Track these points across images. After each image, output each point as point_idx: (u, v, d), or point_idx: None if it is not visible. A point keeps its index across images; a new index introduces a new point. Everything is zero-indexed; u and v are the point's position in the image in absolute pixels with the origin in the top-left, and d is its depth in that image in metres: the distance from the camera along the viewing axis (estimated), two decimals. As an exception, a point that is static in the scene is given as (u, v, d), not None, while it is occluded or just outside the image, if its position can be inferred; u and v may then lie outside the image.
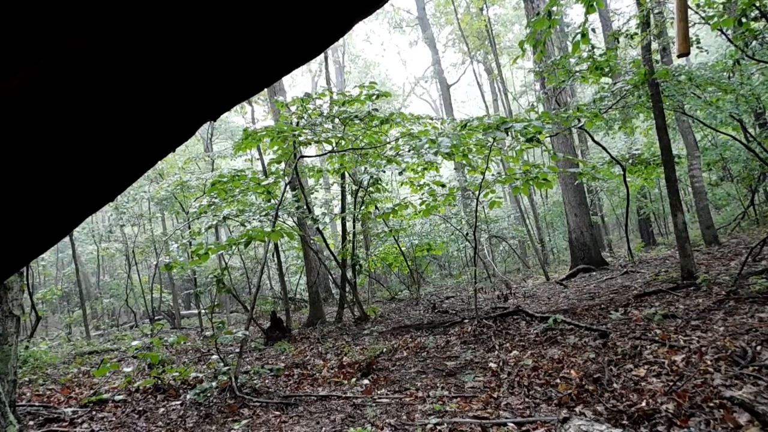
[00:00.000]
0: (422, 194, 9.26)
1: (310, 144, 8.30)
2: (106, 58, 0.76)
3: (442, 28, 27.34)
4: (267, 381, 5.45)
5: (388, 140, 8.75)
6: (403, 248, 12.80)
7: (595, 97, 8.65)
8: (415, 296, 13.03)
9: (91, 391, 5.80)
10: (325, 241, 11.24)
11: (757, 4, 6.57)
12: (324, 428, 3.75)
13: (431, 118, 8.58)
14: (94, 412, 4.86)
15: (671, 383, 3.26)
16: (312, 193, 15.83)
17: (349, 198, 11.30)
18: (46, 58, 0.73)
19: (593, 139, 9.98)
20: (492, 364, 4.70)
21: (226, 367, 5.24)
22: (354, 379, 5.02)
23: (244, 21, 0.80)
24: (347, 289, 10.76)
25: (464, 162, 8.08)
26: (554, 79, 8.66)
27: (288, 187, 9.23)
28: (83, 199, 0.99)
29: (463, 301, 10.84)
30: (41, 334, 18.18)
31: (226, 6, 0.77)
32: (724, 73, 9.74)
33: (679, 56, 2.94)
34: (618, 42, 10.43)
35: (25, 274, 5.56)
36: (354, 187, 10.77)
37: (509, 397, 3.72)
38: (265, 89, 6.63)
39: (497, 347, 5.51)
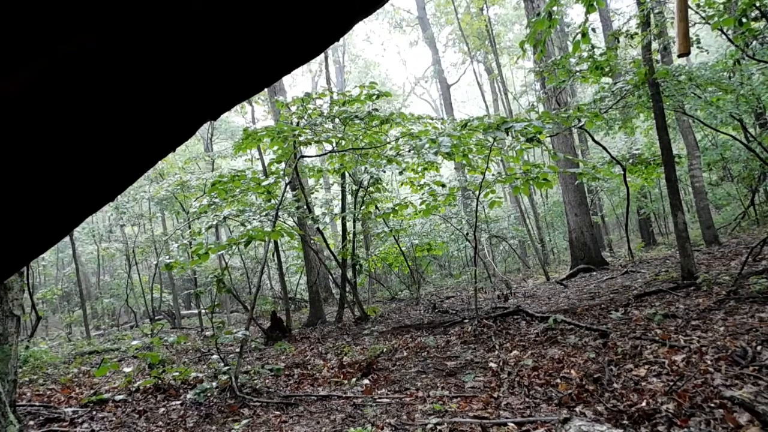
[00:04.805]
0: (422, 194, 9.26)
1: (310, 144, 8.30)
2: (106, 59, 0.76)
3: (442, 28, 27.36)
4: (267, 381, 5.45)
5: (388, 140, 8.75)
6: (403, 248, 12.79)
7: (595, 97, 8.64)
8: (415, 296, 13.03)
9: (92, 391, 5.80)
10: (325, 241, 11.24)
11: (757, 4, 6.57)
12: (324, 428, 3.75)
13: (431, 118, 8.57)
14: (94, 412, 4.86)
15: (671, 383, 3.26)
16: (312, 193, 15.82)
17: (349, 198, 11.30)
18: (47, 58, 0.73)
19: (593, 139, 9.97)
20: (492, 364, 4.70)
21: (227, 367, 5.24)
22: (354, 379, 5.02)
23: (244, 21, 0.80)
24: (347, 289, 10.76)
25: (464, 162, 8.08)
26: (554, 79, 8.66)
27: (288, 187, 9.23)
28: (83, 199, 0.99)
29: (464, 301, 10.84)
30: (41, 334, 18.19)
31: (226, 6, 0.77)
32: (725, 73, 9.75)
33: (679, 56, 2.94)
34: (618, 42, 10.41)
35: (25, 274, 5.56)
36: (354, 187, 10.77)
37: (509, 397, 3.72)
38: (265, 89, 6.63)
39: (497, 347, 5.51)
